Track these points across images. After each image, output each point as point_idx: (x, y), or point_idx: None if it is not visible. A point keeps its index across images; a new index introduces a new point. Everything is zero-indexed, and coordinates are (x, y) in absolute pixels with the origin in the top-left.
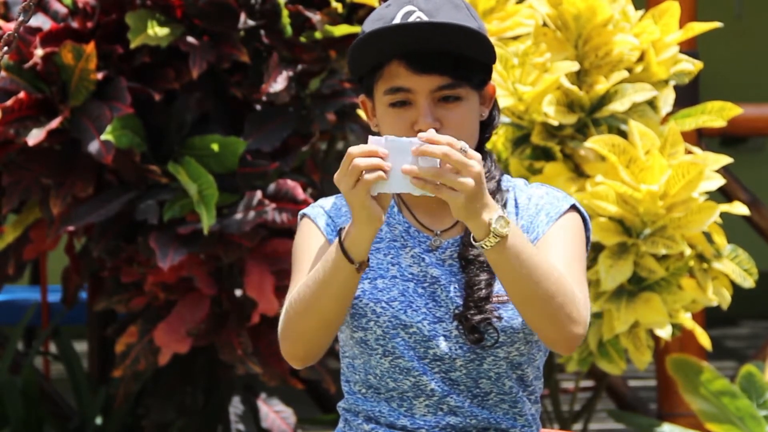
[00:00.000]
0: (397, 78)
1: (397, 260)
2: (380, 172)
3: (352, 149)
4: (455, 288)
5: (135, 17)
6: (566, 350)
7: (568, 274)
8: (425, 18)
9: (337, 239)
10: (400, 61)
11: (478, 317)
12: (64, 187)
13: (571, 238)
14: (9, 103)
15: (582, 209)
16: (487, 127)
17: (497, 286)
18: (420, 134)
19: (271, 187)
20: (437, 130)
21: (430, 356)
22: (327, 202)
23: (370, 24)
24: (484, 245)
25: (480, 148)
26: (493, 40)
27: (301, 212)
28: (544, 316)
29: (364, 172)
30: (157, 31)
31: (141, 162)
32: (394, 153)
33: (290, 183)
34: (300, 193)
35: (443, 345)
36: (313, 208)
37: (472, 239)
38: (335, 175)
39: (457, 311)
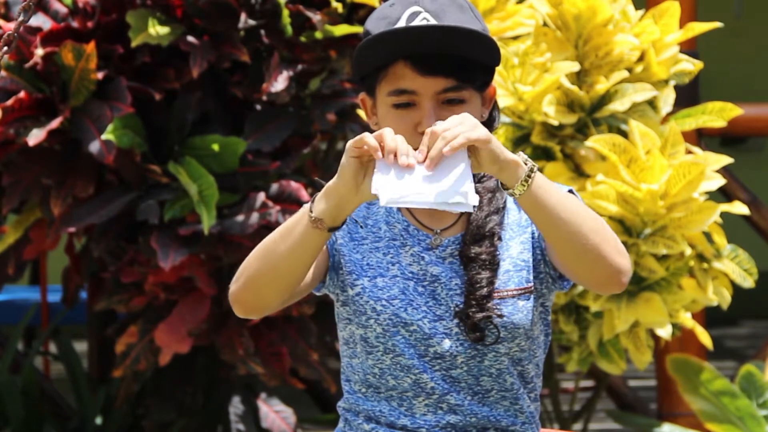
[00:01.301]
0: (402, 79)
1: (396, 259)
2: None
3: (384, 130)
4: (456, 286)
5: (136, 16)
6: (618, 285)
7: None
8: (431, 19)
9: (312, 196)
10: (405, 63)
11: (479, 315)
12: (64, 188)
13: (581, 203)
14: (9, 102)
15: (578, 195)
16: (487, 128)
17: (498, 283)
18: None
19: (275, 188)
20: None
21: (430, 354)
22: None
23: (374, 23)
24: (523, 185)
25: None
26: (494, 39)
27: (305, 204)
28: (590, 251)
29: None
30: (158, 30)
31: (141, 162)
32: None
33: (294, 184)
34: (304, 195)
35: (444, 343)
36: None
37: (503, 187)
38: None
39: (457, 309)
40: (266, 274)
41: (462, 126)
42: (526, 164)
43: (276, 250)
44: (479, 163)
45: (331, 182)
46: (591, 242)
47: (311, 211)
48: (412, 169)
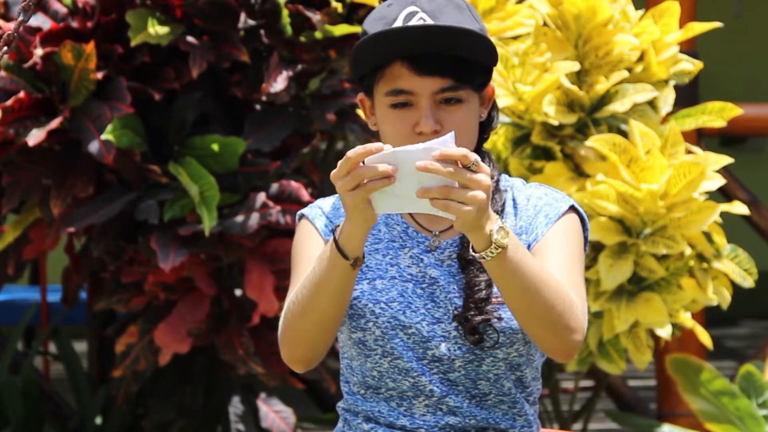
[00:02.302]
0: (400, 79)
1: (396, 261)
2: (385, 180)
3: (352, 153)
4: (454, 289)
5: (135, 16)
6: (564, 357)
7: (566, 279)
8: (428, 19)
9: (332, 238)
10: (402, 63)
11: (478, 318)
12: (64, 188)
13: (570, 241)
14: (9, 103)
15: (580, 209)
16: (485, 128)
17: (496, 287)
18: (434, 151)
19: (275, 188)
20: (437, 133)
21: (429, 357)
22: (326, 202)
23: (371, 23)
24: (485, 256)
25: (478, 148)
26: (493, 39)
27: (299, 213)
28: (542, 325)
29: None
30: (158, 29)
31: (141, 162)
32: (401, 166)
33: (294, 184)
34: (304, 194)
35: (442, 346)
36: (312, 209)
37: (471, 250)
38: (332, 173)
39: (456, 312)
40: (315, 327)
41: (472, 205)
42: (492, 242)
43: (318, 302)
44: (457, 219)
45: (345, 226)
46: (545, 316)
47: (347, 258)
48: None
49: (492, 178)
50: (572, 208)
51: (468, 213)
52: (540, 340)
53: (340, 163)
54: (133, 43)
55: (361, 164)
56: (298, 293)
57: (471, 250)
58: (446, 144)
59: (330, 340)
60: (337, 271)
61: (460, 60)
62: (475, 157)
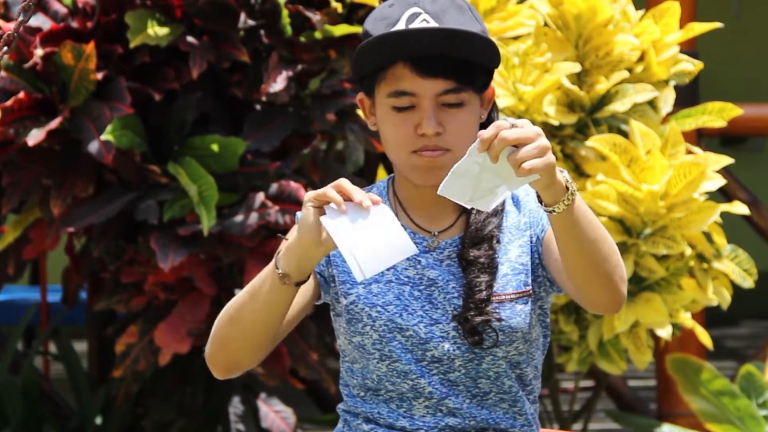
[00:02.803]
0: (402, 81)
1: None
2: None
3: (347, 185)
4: (453, 288)
5: (134, 17)
6: (614, 310)
7: None
8: (431, 20)
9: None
10: (405, 65)
11: (478, 319)
12: (64, 188)
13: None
14: (9, 103)
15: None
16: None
17: (496, 287)
18: (476, 144)
19: (274, 188)
20: (439, 135)
21: (428, 358)
22: None
23: (373, 23)
24: (561, 206)
25: None
26: (494, 40)
27: (297, 213)
28: (602, 276)
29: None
30: (157, 30)
31: (141, 162)
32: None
33: (293, 185)
34: (303, 195)
35: (441, 346)
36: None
37: (542, 204)
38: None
39: (455, 312)
40: (239, 336)
41: (533, 151)
42: (568, 188)
43: (245, 312)
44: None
45: (292, 238)
46: (604, 268)
47: (277, 268)
48: (367, 212)
49: None
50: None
51: (546, 161)
52: (595, 295)
53: (335, 185)
54: (132, 45)
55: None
56: (235, 298)
57: (542, 204)
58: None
59: (252, 357)
60: (269, 282)
61: (462, 62)
62: (511, 120)
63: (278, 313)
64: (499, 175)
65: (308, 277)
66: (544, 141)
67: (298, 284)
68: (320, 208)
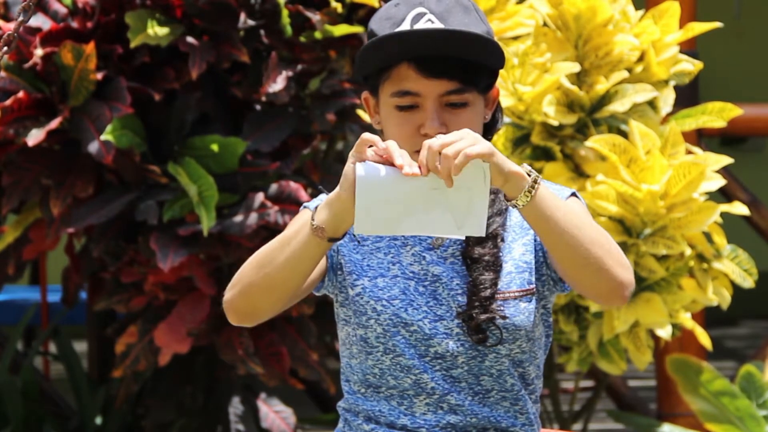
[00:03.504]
0: (406, 81)
1: (397, 259)
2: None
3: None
4: (457, 285)
5: (134, 17)
6: (620, 299)
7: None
8: (436, 21)
9: (314, 207)
10: (409, 64)
11: (483, 317)
12: (64, 188)
13: (584, 211)
14: (8, 102)
15: (581, 198)
16: (489, 129)
17: (500, 285)
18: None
19: (274, 188)
20: (444, 134)
21: (431, 354)
22: None
23: (378, 23)
24: (526, 195)
25: None
26: (498, 42)
27: (303, 204)
28: (593, 263)
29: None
30: (157, 30)
31: (141, 162)
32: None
33: (293, 185)
34: (303, 195)
35: (444, 343)
36: (314, 201)
37: (505, 200)
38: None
39: (460, 309)
40: (262, 283)
41: (463, 142)
42: (529, 175)
43: (274, 260)
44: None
45: (333, 192)
46: (593, 254)
47: (313, 220)
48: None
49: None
50: (573, 195)
51: (483, 146)
52: (592, 285)
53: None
54: (132, 45)
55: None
56: (263, 248)
57: (507, 200)
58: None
59: (274, 306)
60: (302, 234)
61: (467, 63)
62: (434, 139)
63: (306, 266)
64: (461, 190)
65: (342, 235)
66: (472, 134)
67: (331, 240)
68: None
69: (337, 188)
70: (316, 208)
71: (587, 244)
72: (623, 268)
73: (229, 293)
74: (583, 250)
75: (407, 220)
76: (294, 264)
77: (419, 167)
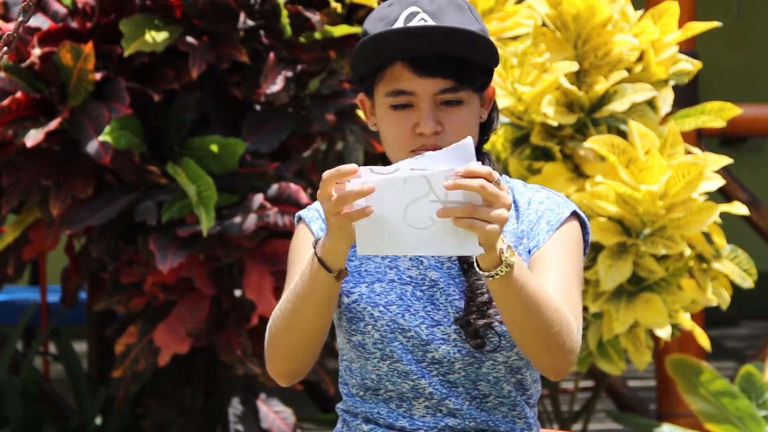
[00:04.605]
0: (400, 80)
1: (395, 264)
2: (365, 208)
3: (326, 174)
4: (454, 291)
5: (130, 24)
6: (556, 377)
7: (564, 298)
8: (430, 20)
9: (313, 252)
10: (403, 64)
11: (480, 322)
12: (63, 188)
13: (570, 253)
14: (5, 102)
15: (582, 214)
16: (486, 129)
17: None
18: (457, 168)
19: (274, 189)
20: (438, 134)
21: (428, 359)
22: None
23: (372, 23)
24: (494, 275)
25: (478, 149)
26: (492, 40)
27: (297, 214)
28: (539, 344)
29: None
30: (154, 36)
31: (140, 163)
32: (384, 192)
33: (293, 186)
34: (303, 197)
35: (441, 348)
36: (309, 211)
37: (477, 268)
38: (318, 193)
39: (457, 315)
40: (300, 341)
41: (490, 215)
42: (503, 261)
43: (302, 316)
44: (481, 237)
45: (327, 241)
46: (538, 338)
47: (329, 270)
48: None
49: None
50: (574, 214)
51: (492, 232)
52: (534, 358)
53: (321, 183)
54: (126, 53)
55: (347, 184)
56: (282, 307)
57: (477, 268)
58: (465, 150)
59: (314, 354)
60: (320, 284)
61: (461, 61)
62: (497, 175)
63: (332, 308)
64: (439, 224)
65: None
66: (506, 214)
67: (342, 275)
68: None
69: (329, 239)
70: (319, 260)
71: (536, 329)
72: (565, 354)
73: (272, 364)
74: (530, 332)
75: (407, 234)
76: (322, 311)
77: (461, 173)
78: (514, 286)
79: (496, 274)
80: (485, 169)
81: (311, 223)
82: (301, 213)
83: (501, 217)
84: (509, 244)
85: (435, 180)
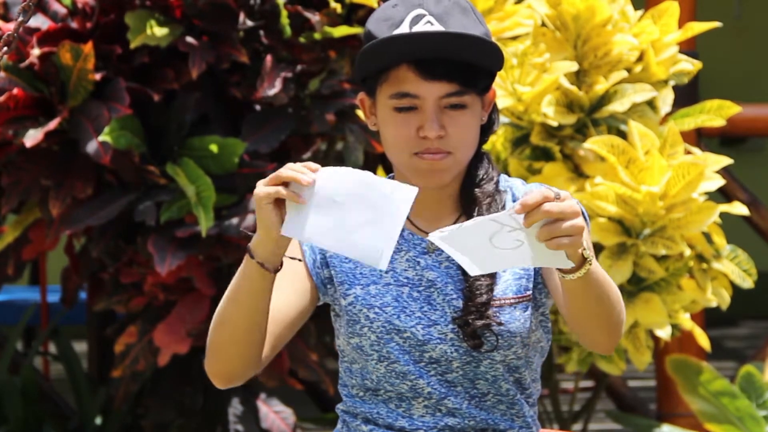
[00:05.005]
0: (405, 83)
1: (391, 266)
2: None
3: (288, 168)
4: (452, 290)
5: (134, 17)
6: (608, 352)
7: None
8: (435, 22)
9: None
10: (409, 66)
11: (479, 323)
12: (63, 188)
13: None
14: (2, 99)
15: (582, 207)
16: (486, 131)
17: (496, 291)
18: (514, 206)
19: None
20: (441, 138)
21: (425, 359)
22: None
23: (376, 23)
24: (579, 274)
25: (478, 150)
26: (497, 44)
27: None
28: (606, 327)
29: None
30: (156, 31)
31: (140, 163)
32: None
33: None
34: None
35: (439, 348)
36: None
37: (560, 274)
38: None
39: (455, 315)
40: (227, 340)
41: (568, 229)
42: (586, 259)
43: (228, 313)
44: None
45: (256, 237)
46: (607, 323)
47: (253, 258)
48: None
49: (492, 179)
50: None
51: (574, 243)
52: (595, 340)
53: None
54: (132, 45)
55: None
56: (218, 307)
57: (561, 273)
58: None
59: (247, 362)
60: (247, 277)
61: (466, 65)
62: (555, 191)
63: (261, 306)
64: (527, 243)
65: (281, 265)
66: (581, 222)
67: (276, 271)
68: (276, 204)
69: (259, 232)
70: (249, 252)
71: (606, 315)
72: (621, 328)
73: (206, 361)
74: (601, 319)
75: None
76: (248, 308)
77: (522, 205)
78: (592, 281)
79: (581, 274)
80: (536, 196)
81: None
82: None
83: (576, 227)
84: (587, 242)
85: (503, 220)
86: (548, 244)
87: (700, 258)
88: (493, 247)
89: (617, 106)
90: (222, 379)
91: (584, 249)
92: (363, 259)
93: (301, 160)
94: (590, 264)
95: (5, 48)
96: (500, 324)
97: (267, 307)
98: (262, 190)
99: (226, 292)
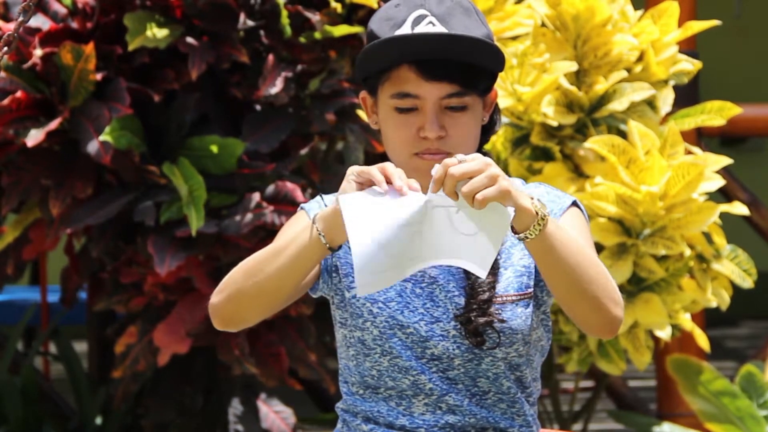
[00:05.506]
0: (407, 83)
1: None
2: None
3: (391, 168)
4: (454, 288)
5: (134, 19)
6: (610, 333)
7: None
8: (437, 23)
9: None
10: (410, 67)
11: (481, 320)
12: (63, 188)
13: (581, 230)
14: (5, 102)
15: (582, 207)
16: (487, 131)
17: (498, 288)
18: (430, 187)
19: (270, 189)
20: (442, 138)
21: (427, 356)
22: (329, 198)
23: (378, 23)
24: (531, 234)
25: (479, 151)
26: (499, 45)
27: (301, 204)
28: (588, 300)
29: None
30: (156, 32)
31: (140, 163)
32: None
33: (289, 185)
34: (299, 195)
35: (441, 345)
36: (311, 203)
37: (513, 232)
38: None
39: (457, 312)
40: (251, 291)
41: (483, 179)
42: (537, 213)
43: (265, 268)
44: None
45: (329, 207)
46: (589, 292)
47: (316, 228)
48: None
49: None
50: (575, 204)
51: (500, 190)
52: (585, 319)
53: (378, 168)
54: (131, 48)
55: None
56: (258, 253)
57: (513, 233)
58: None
59: (261, 314)
60: (301, 240)
61: (467, 66)
62: (460, 156)
63: (300, 273)
64: (474, 221)
65: (337, 248)
66: (494, 170)
67: (331, 249)
68: (362, 185)
69: (334, 204)
70: (314, 218)
71: (585, 282)
72: (616, 306)
73: (216, 297)
74: (580, 287)
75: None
76: (288, 271)
77: (434, 183)
78: (553, 240)
79: (532, 233)
80: (439, 169)
81: (311, 212)
82: (305, 204)
83: (491, 176)
84: (539, 198)
85: (440, 202)
86: (477, 203)
87: (700, 258)
88: (459, 233)
89: (617, 106)
90: (226, 321)
91: (533, 203)
92: (506, 225)
93: (299, 158)
94: (543, 220)
95: (5, 48)
96: (502, 321)
97: (305, 276)
98: (367, 168)
99: (270, 248)
